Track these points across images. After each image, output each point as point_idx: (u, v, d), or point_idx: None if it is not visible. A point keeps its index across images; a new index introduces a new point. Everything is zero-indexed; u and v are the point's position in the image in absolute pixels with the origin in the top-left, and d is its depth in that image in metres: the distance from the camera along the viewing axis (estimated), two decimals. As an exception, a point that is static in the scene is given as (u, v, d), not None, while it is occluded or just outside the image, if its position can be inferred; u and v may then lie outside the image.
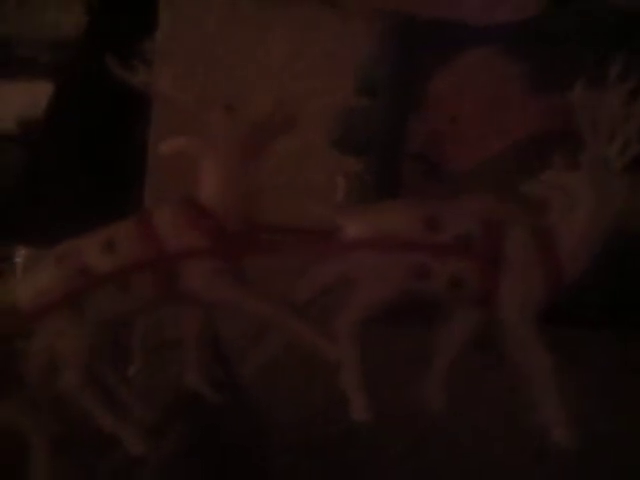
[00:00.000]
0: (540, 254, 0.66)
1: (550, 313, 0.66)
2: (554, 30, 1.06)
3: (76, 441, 0.65)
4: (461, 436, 0.87)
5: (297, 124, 0.65)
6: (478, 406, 0.84)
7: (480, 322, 0.68)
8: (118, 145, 1.38)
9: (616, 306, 0.91)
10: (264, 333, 0.65)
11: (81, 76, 1.49)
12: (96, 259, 0.62)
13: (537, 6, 1.05)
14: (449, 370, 0.68)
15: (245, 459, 0.65)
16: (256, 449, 0.66)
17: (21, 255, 2.22)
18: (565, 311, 0.69)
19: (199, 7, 1.05)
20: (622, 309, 0.91)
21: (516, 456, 0.87)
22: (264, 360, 0.64)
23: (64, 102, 1.49)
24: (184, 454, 0.62)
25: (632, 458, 0.94)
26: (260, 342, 0.64)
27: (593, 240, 0.65)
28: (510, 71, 1.07)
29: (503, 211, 0.68)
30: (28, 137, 2.81)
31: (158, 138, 1.03)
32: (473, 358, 0.66)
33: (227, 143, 0.63)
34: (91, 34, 1.51)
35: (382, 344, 0.67)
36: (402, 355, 0.81)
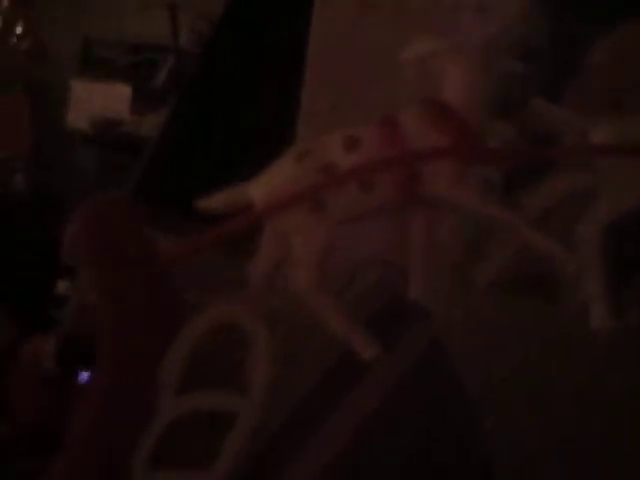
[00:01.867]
0: None
1: None
2: None
3: (296, 344, 0.63)
4: None
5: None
6: None
7: None
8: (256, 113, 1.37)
9: None
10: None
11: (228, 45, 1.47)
12: (339, 157, 0.61)
13: None
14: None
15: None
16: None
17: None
18: None
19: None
20: None
21: None
22: (495, 272, 0.63)
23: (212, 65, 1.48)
24: (410, 369, 0.60)
25: None
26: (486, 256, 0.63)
27: None
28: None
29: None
30: (101, 138, 2.84)
31: (311, 99, 1.03)
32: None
33: (478, 46, 0.63)
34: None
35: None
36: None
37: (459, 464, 0.61)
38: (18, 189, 2.73)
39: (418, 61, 0.62)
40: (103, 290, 0.61)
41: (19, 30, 2.78)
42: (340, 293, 0.68)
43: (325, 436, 0.61)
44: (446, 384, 0.60)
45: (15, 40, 2.88)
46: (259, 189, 0.62)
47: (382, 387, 0.58)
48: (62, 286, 2.02)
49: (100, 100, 2.70)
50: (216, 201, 0.63)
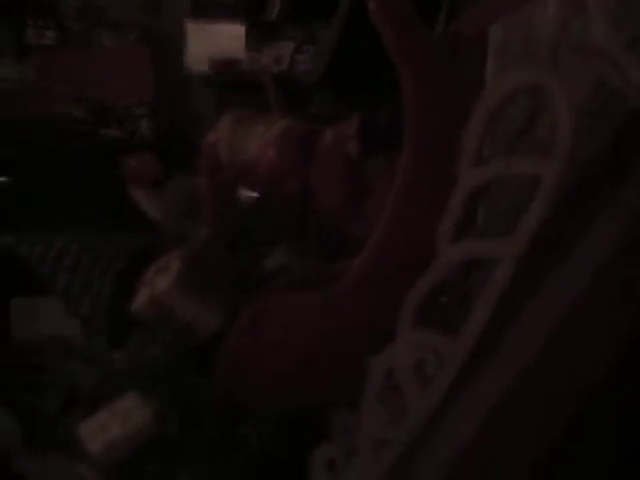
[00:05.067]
0: None
1: None
2: None
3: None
4: None
5: None
6: None
7: None
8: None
9: None
10: None
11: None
12: None
13: None
14: None
15: None
16: None
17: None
18: None
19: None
20: None
21: None
22: None
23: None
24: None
25: None
26: None
27: None
28: None
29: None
30: (219, 78, 2.88)
31: None
32: None
33: None
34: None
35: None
36: None
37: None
38: (144, 134, 2.80)
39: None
40: (410, 70, 0.62)
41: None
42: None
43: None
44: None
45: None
46: None
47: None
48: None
49: (215, 41, 2.74)
50: None
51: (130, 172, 0.88)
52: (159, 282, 0.68)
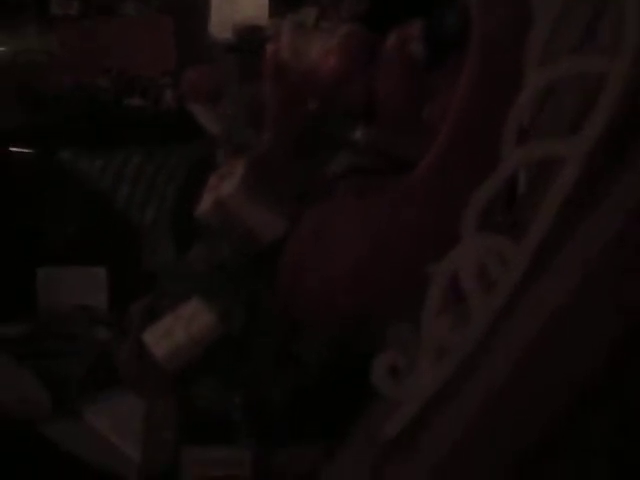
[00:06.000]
0: None
1: None
2: None
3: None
4: None
5: None
6: None
7: None
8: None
9: None
10: None
11: None
12: None
13: None
14: None
15: None
16: None
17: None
18: None
19: None
20: None
21: None
22: None
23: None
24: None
25: None
26: None
27: None
28: None
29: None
30: (243, 46, 2.88)
31: None
32: None
33: None
34: None
35: None
36: None
37: None
38: (168, 105, 2.80)
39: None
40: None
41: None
42: None
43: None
44: None
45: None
46: None
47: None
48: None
49: (239, 8, 2.74)
50: None
51: (188, 86, 0.88)
52: (224, 187, 0.68)
